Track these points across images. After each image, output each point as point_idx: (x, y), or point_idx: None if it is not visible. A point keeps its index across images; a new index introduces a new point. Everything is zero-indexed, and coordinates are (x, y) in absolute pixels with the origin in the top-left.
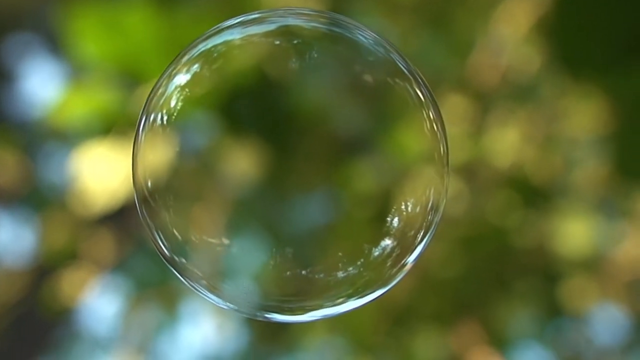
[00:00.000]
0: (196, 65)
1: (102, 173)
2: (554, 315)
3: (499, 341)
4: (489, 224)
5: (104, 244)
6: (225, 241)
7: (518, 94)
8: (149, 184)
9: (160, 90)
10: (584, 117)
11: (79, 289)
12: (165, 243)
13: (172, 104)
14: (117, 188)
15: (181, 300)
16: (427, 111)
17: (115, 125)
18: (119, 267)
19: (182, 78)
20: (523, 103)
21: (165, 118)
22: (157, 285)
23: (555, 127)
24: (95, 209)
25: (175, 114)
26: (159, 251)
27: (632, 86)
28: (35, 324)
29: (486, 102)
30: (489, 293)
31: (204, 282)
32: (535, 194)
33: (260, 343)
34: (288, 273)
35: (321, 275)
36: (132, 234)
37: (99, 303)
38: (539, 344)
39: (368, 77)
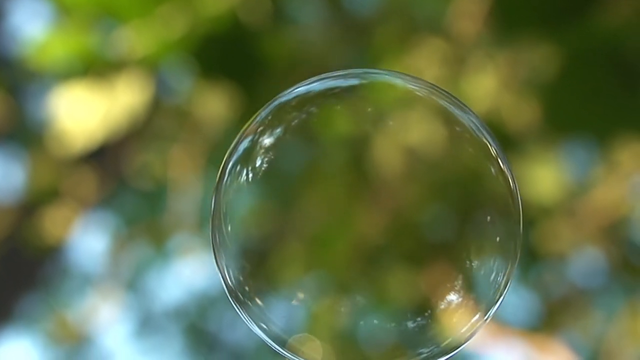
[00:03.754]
0: (279, 129)
1: (80, 113)
2: (530, 259)
3: (470, 283)
4: (464, 168)
5: (87, 182)
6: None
7: (497, 40)
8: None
9: (242, 146)
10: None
11: (64, 226)
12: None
13: (257, 162)
14: (95, 128)
15: (169, 236)
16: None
17: (94, 67)
18: (106, 204)
19: (266, 139)
20: (502, 49)
21: (250, 174)
22: (145, 222)
23: (532, 74)
24: (75, 148)
25: (259, 172)
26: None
27: (567, 47)
28: (23, 261)
29: (465, 48)
30: (462, 236)
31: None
32: (511, 140)
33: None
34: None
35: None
36: (114, 172)
37: (87, 240)
38: (517, 286)
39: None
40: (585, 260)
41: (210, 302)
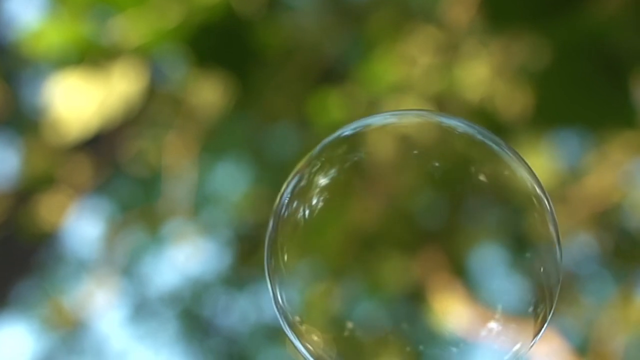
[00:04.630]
0: (333, 170)
1: (75, 101)
2: (522, 245)
3: (461, 269)
4: (457, 155)
5: (82, 169)
6: None
7: (491, 27)
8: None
9: (303, 182)
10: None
11: (58, 213)
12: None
13: (314, 201)
14: (91, 116)
15: (163, 222)
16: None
17: (89, 55)
18: (100, 190)
19: (321, 179)
20: (495, 37)
21: (306, 213)
22: (139, 208)
23: (524, 64)
24: (70, 136)
25: (314, 212)
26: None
27: (555, 41)
28: (18, 247)
29: (459, 35)
30: (454, 223)
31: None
32: (503, 127)
33: (241, 265)
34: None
35: None
36: (109, 159)
37: (82, 226)
38: (510, 272)
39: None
40: (577, 247)
41: (204, 288)
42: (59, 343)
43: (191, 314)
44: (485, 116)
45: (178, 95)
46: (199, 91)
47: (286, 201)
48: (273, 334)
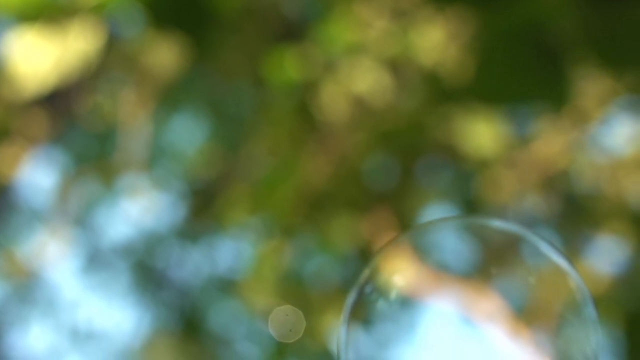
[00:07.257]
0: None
1: (33, 58)
2: (471, 208)
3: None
4: (409, 118)
5: (38, 122)
6: None
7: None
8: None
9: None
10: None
11: (13, 164)
12: None
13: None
14: (48, 73)
15: (118, 175)
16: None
17: (46, 12)
18: (56, 142)
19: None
20: (452, 3)
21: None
22: (94, 160)
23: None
24: (27, 92)
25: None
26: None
27: (495, 25)
28: None
29: (414, 0)
30: (403, 185)
31: None
32: (455, 93)
33: (194, 218)
34: None
35: None
36: (65, 112)
37: (37, 177)
38: (458, 234)
39: None
40: (524, 210)
41: (158, 240)
42: (11, 293)
43: (144, 266)
44: (437, 81)
45: (135, 53)
46: (155, 49)
47: (368, 289)
48: (225, 287)
